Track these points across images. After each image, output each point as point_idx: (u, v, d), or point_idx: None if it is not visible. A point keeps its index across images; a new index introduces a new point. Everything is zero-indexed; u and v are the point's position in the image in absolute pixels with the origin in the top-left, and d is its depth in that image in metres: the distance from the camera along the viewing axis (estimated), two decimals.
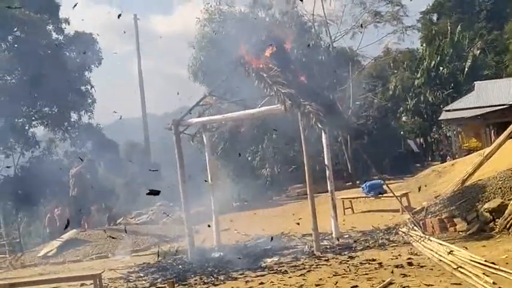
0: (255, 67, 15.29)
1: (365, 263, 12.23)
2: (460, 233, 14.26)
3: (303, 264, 13.13)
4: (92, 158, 29.11)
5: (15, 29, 29.17)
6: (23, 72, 29.14)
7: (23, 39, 29.20)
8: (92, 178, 26.92)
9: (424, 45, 55.65)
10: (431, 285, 9.69)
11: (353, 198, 21.86)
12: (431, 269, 10.93)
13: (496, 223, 13.80)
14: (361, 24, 42.86)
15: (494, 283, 9.11)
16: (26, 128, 31.75)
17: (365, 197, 21.44)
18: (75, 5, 17.41)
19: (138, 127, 41.32)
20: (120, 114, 24.20)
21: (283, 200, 32.48)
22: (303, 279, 11.47)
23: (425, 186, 22.36)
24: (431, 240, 13.25)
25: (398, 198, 18.16)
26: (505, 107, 34.85)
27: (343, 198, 21.43)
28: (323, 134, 16.91)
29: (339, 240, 15.83)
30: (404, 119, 50.41)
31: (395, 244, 14.20)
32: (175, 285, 12.29)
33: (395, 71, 51.76)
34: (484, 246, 12.33)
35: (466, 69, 49.30)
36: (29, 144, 31.16)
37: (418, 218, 15.90)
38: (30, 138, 31.48)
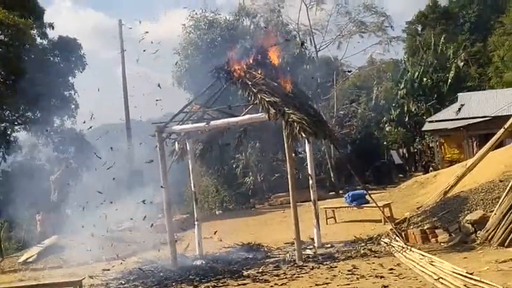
0: (239, 75, 15.30)
1: (347, 273, 12.23)
2: (442, 244, 14.31)
3: (284, 273, 13.11)
4: (73, 163, 28.98)
5: None
6: (6, 76, 28.98)
7: (7, 43, 29.04)
8: (73, 183, 26.73)
9: (408, 56, 56.02)
10: None
11: (336, 207, 21.86)
12: (413, 280, 10.94)
13: (478, 235, 13.86)
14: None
15: None
16: (9, 132, 31.57)
17: (348, 206, 21.45)
18: None
19: (121, 133, 41.07)
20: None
21: (266, 208, 32.45)
22: None
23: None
24: (413, 251, 13.30)
25: (381, 208, 18.21)
26: (487, 119, 35.09)
27: (326, 208, 21.44)
28: (306, 143, 16.93)
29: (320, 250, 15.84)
30: (387, 129, 50.62)
31: (377, 254, 14.20)
32: None
33: (379, 81, 51.99)
34: (465, 257, 12.37)
35: (450, 80, 49.70)
36: (11, 149, 30.97)
37: (400, 228, 15.94)
38: (12, 142, 31.30)
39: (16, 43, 28.63)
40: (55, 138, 32.40)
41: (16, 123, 31.69)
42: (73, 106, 32.48)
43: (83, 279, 12.78)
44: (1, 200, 30.10)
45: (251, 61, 15.91)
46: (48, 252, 19.67)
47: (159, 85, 18.13)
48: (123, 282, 14.31)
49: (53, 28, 32.55)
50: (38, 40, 32.03)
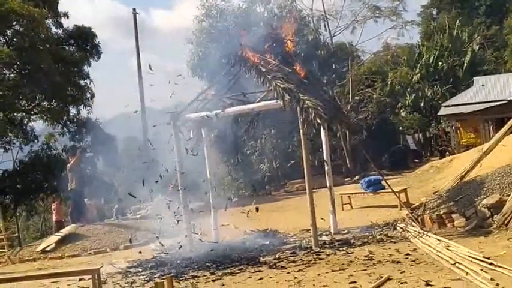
0: (253, 62, 15.28)
1: (363, 259, 12.23)
2: (458, 229, 14.27)
3: (301, 259, 13.13)
4: (89, 151, 29.11)
5: (14, 23, 29.12)
6: (22, 67, 29.11)
7: (22, 34, 29.15)
8: (90, 172, 26.86)
9: (423, 40, 55.64)
10: (429, 281, 9.68)
11: (352, 193, 21.87)
12: (430, 265, 10.93)
13: (494, 219, 13.81)
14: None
15: (492, 279, 9.13)
16: (25, 122, 31.78)
17: (364, 192, 21.46)
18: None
19: (136, 121, 41.17)
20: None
21: (282, 195, 32.49)
22: (301, 275, 11.47)
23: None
24: (429, 236, 13.27)
25: (397, 194, 18.18)
26: (503, 102, 34.87)
27: (342, 194, 21.43)
28: (322, 129, 16.89)
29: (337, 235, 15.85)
30: (403, 114, 50.35)
31: (393, 240, 14.20)
32: (174, 281, 12.29)
33: (395, 66, 51.73)
34: (482, 242, 12.34)
35: (465, 64, 49.28)
36: (27, 139, 31.17)
37: (416, 213, 15.90)
38: (29, 132, 31.50)
39: (31, 33, 28.72)
40: (71, 127, 32.55)
41: (32, 112, 31.87)
42: (89, 95, 32.61)
43: (101, 267, 12.85)
44: (19, 189, 30.32)
45: (265, 48, 15.90)
46: (66, 241, 19.84)
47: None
48: (140, 270, 14.39)
49: (67, 17, 32.66)
50: (53, 30, 32.15)
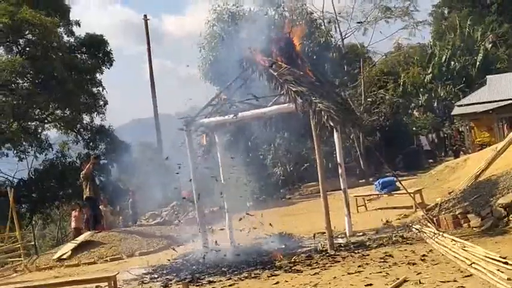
0: (264, 66, 15.28)
1: (379, 261, 12.20)
2: (474, 229, 14.18)
3: (316, 262, 13.08)
4: (104, 158, 29.23)
5: (27, 32, 29.32)
6: (35, 75, 29.30)
7: (35, 43, 29.35)
8: (105, 178, 26.94)
9: (435, 39, 55.49)
10: (446, 281, 9.65)
11: (366, 195, 21.84)
12: (446, 266, 10.88)
13: (510, 218, 13.73)
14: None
15: (509, 279, 9.07)
16: (39, 130, 31.96)
17: (378, 194, 21.40)
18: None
19: (150, 127, 41.40)
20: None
21: (296, 198, 32.45)
22: (317, 278, 11.44)
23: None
24: (445, 237, 13.20)
25: (412, 195, 18.10)
26: None
27: (357, 196, 21.39)
28: (335, 131, 16.86)
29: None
30: (416, 114, 50.22)
31: (409, 241, 14.13)
32: (190, 286, 12.30)
33: (407, 67, 51.59)
34: (498, 242, 12.27)
35: (478, 63, 49.09)
36: (42, 147, 31.35)
37: (431, 214, 15.84)
38: (43, 140, 31.67)
39: (43, 42, 28.91)
40: (85, 135, 32.72)
41: (46, 121, 32.06)
42: (102, 102, 32.79)
43: (117, 274, 12.90)
44: (34, 198, 30.47)
45: (276, 51, 15.89)
46: (82, 248, 19.90)
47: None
48: (156, 276, 14.41)
49: (79, 26, 32.87)
50: (65, 38, 32.36)
